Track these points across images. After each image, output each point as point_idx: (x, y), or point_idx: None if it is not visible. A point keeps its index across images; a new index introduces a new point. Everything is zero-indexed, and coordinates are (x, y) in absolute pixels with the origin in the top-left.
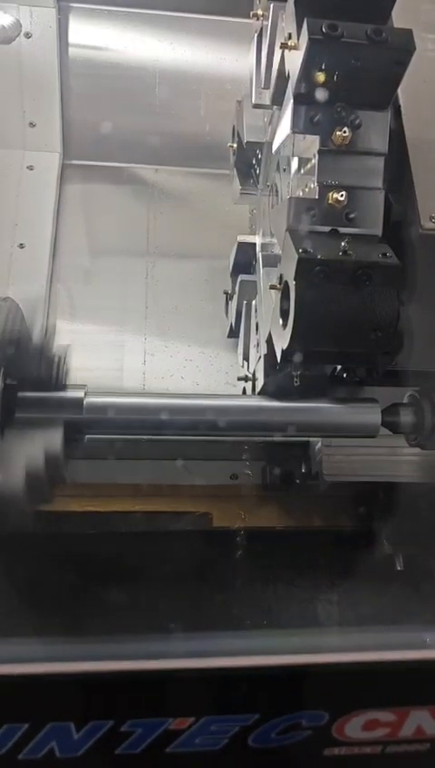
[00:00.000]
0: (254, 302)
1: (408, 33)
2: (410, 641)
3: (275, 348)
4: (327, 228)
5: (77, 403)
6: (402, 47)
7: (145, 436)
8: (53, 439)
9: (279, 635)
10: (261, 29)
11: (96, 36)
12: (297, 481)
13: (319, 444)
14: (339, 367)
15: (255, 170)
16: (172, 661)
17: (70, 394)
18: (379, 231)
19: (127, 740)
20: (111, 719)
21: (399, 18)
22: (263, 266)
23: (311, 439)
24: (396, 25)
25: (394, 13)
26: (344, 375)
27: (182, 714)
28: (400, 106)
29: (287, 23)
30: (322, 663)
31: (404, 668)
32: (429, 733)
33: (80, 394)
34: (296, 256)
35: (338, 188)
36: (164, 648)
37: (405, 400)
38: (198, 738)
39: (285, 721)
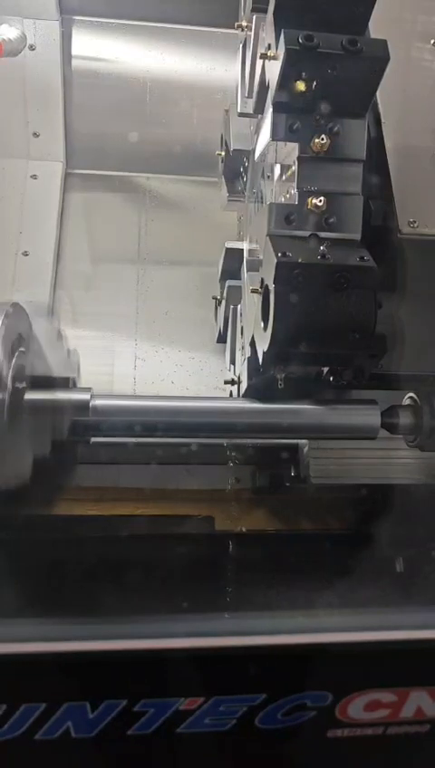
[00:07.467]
0: (239, 306)
1: (382, 43)
2: (411, 621)
3: (257, 350)
4: (307, 233)
5: (83, 405)
6: (377, 56)
7: (152, 439)
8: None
9: (285, 616)
10: (245, 39)
11: (98, 48)
12: (287, 484)
13: (306, 447)
14: (326, 370)
15: (242, 178)
16: (183, 640)
17: (76, 396)
18: (358, 235)
19: (139, 720)
20: (125, 699)
21: (387, 28)
22: (247, 271)
23: (299, 443)
24: (384, 35)
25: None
26: (331, 378)
27: (192, 694)
28: (380, 114)
29: (267, 33)
30: (326, 642)
31: (405, 648)
32: (428, 714)
33: (86, 396)
34: (275, 260)
35: (317, 194)
36: (175, 627)
37: (404, 402)
38: (207, 719)
39: (290, 701)
